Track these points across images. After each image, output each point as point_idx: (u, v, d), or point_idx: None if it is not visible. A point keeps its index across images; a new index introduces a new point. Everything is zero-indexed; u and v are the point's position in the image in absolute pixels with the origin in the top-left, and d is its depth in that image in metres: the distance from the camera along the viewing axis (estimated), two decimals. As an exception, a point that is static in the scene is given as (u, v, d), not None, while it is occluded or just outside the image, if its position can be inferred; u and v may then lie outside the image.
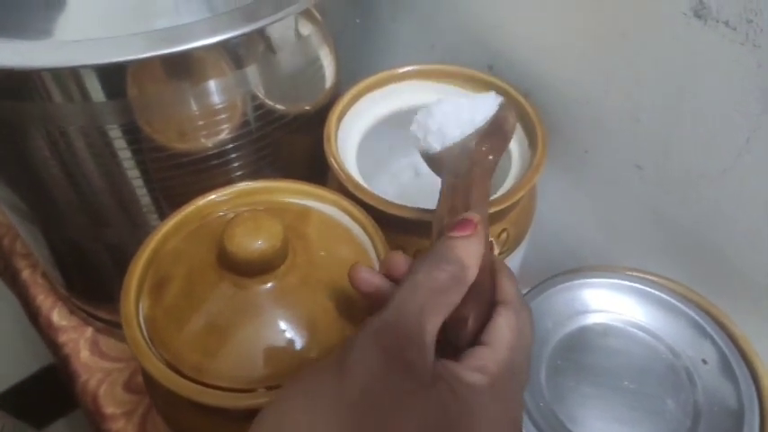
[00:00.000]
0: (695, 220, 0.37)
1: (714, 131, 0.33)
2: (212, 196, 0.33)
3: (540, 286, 0.35)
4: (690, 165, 0.35)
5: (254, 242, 0.27)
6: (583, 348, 0.33)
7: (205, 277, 0.29)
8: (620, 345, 0.33)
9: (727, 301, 0.34)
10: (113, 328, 0.50)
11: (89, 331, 0.51)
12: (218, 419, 0.28)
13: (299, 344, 0.28)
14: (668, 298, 0.34)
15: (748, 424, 0.30)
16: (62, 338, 0.51)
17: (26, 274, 0.56)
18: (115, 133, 0.34)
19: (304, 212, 0.33)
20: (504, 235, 0.37)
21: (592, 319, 0.34)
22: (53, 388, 1.04)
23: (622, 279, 0.35)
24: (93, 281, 0.46)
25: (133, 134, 0.35)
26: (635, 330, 0.34)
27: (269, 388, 0.27)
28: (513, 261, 0.40)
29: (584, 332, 0.34)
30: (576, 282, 0.35)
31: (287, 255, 0.29)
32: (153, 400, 0.31)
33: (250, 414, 0.28)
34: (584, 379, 0.32)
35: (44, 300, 0.53)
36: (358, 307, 0.29)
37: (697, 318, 0.33)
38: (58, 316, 0.52)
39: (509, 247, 0.38)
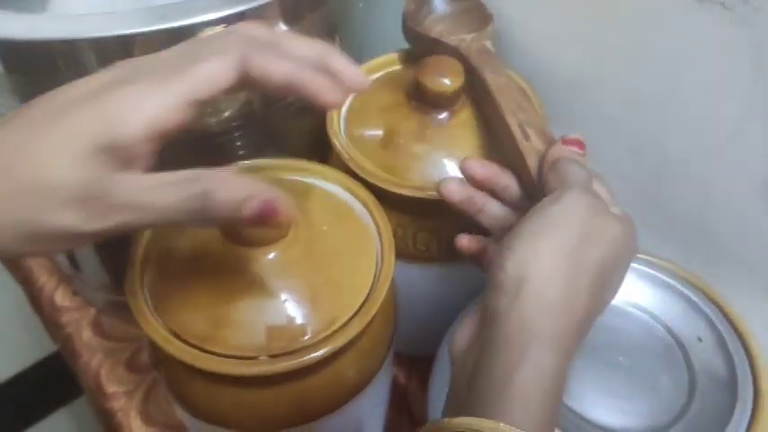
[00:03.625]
0: (689, 203, 0.37)
1: (708, 114, 0.33)
2: (217, 173, 0.34)
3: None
4: (685, 148, 0.36)
5: (257, 215, 0.28)
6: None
7: (209, 249, 0.29)
8: (616, 322, 0.34)
9: (721, 281, 0.35)
10: (117, 308, 0.50)
11: (92, 312, 0.52)
12: (221, 387, 0.29)
13: (300, 313, 0.28)
14: (664, 277, 0.35)
15: (742, 400, 0.30)
16: (64, 319, 0.52)
17: (29, 255, 0.56)
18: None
19: (307, 189, 0.34)
20: (502, 215, 0.37)
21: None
22: (54, 378, 1.05)
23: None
24: (98, 259, 0.47)
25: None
26: (631, 308, 0.34)
27: (271, 356, 0.27)
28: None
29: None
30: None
31: (289, 227, 0.29)
32: (158, 370, 0.32)
33: (252, 381, 0.29)
34: (579, 354, 0.32)
35: (47, 281, 0.54)
36: (358, 279, 0.30)
37: (692, 296, 0.34)
38: (61, 297, 0.53)
39: (508, 228, 0.38)
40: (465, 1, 0.40)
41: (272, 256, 0.29)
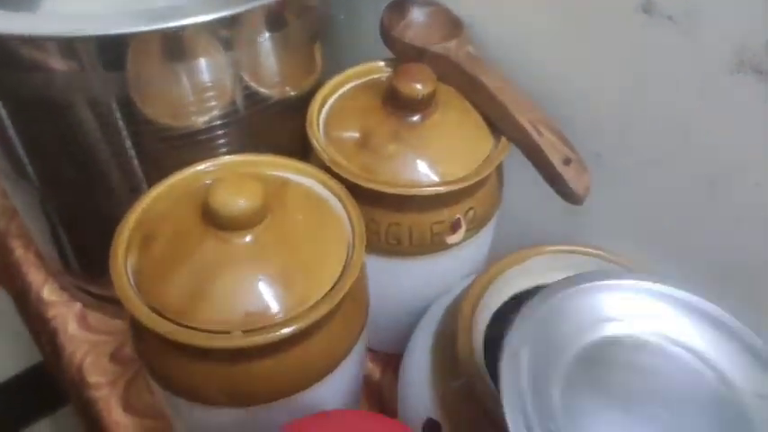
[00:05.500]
0: (652, 205, 0.40)
1: (664, 117, 0.36)
2: (200, 167, 0.36)
3: (556, 286, 0.29)
4: (644, 151, 0.38)
5: (235, 200, 0.30)
6: (608, 363, 0.27)
7: (189, 233, 0.31)
8: (655, 363, 0.27)
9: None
10: (104, 302, 0.52)
11: (77, 306, 0.53)
12: (197, 362, 0.31)
13: (273, 293, 0.30)
14: (716, 314, 0.28)
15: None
16: (51, 313, 0.53)
17: (19, 252, 0.58)
18: (110, 106, 0.37)
19: (285, 183, 0.36)
20: (471, 213, 0.39)
21: (620, 329, 0.28)
22: (38, 387, 1.06)
23: (656, 283, 0.29)
24: (86, 254, 0.49)
25: (126, 107, 0.37)
26: (675, 348, 0.28)
27: (244, 331, 0.29)
28: (482, 240, 0.43)
29: (611, 344, 0.28)
30: (599, 283, 0.29)
31: (266, 214, 0.31)
32: (138, 351, 0.33)
33: (226, 356, 0.30)
34: (606, 401, 0.26)
35: (35, 276, 0.56)
36: (330, 264, 0.32)
37: (754, 342, 0.27)
38: (48, 291, 0.54)
39: (476, 225, 0.40)
40: (432, 6, 0.43)
41: (248, 239, 0.31)
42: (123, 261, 0.32)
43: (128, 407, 0.47)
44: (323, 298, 0.31)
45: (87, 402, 0.48)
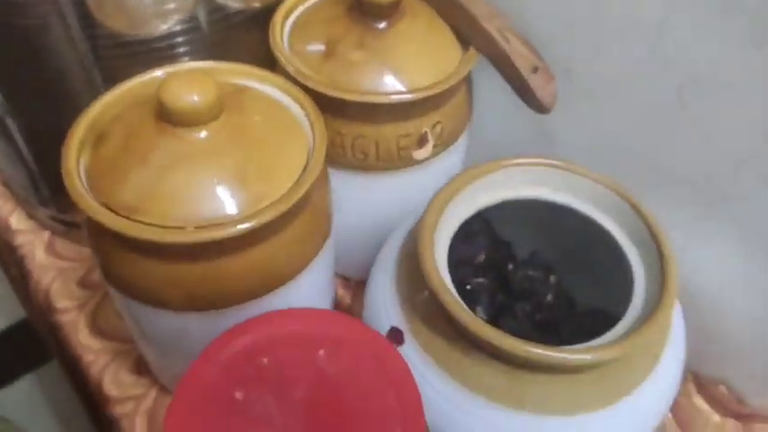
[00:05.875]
0: (623, 119, 0.39)
1: (630, 30, 0.35)
2: (157, 73, 0.35)
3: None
4: (614, 64, 0.38)
5: (188, 93, 0.29)
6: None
7: (142, 131, 0.31)
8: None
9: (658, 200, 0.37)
10: (73, 229, 0.51)
11: (46, 234, 0.53)
12: (152, 262, 0.30)
13: (228, 191, 0.29)
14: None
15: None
16: (18, 240, 0.52)
17: (-14, 182, 0.57)
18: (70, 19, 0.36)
19: (245, 89, 0.35)
20: (438, 127, 0.39)
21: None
22: (22, 344, 1.05)
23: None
24: (54, 177, 0.48)
25: (86, 19, 0.36)
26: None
27: (198, 227, 0.29)
28: (452, 160, 0.42)
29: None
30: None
31: (221, 112, 0.30)
32: (93, 251, 0.33)
33: (180, 253, 0.30)
34: None
35: (3, 205, 0.55)
36: (288, 165, 0.31)
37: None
38: (17, 220, 0.54)
39: (444, 142, 0.40)
40: None
41: (202, 135, 0.30)
42: (75, 160, 0.31)
43: (95, 330, 0.47)
44: (280, 198, 0.30)
45: (55, 327, 0.48)
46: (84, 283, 0.49)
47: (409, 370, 0.28)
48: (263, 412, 0.26)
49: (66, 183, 0.30)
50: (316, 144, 0.32)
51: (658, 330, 0.31)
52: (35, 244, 0.52)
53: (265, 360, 0.28)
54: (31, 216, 0.54)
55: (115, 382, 0.44)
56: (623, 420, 0.31)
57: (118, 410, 0.43)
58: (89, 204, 0.29)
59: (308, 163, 0.32)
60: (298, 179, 0.31)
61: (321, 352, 0.28)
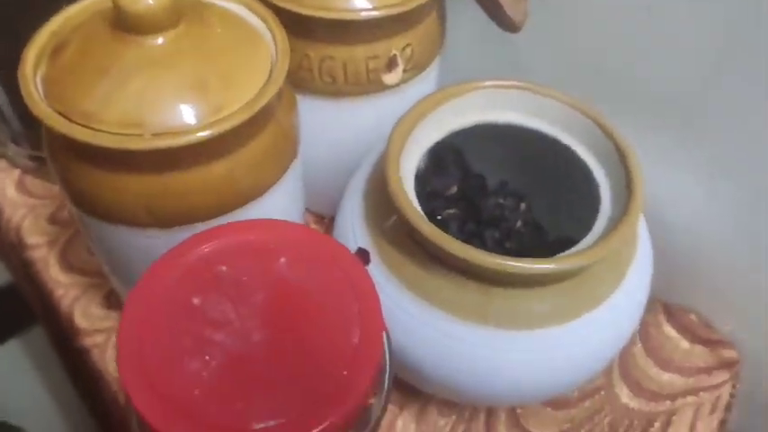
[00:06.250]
0: (593, 43, 0.39)
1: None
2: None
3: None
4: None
5: (144, -2, 0.28)
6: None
7: (99, 39, 0.30)
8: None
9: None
10: (41, 168, 0.51)
11: (16, 173, 0.52)
12: (110, 174, 0.30)
13: (186, 99, 0.29)
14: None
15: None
16: (-11, 178, 0.52)
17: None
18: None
19: (208, 4, 0.34)
20: (408, 50, 0.38)
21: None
22: (6, 308, 1.05)
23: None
24: (23, 108, 0.47)
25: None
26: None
27: (154, 134, 0.28)
28: (424, 87, 0.41)
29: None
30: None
31: (179, 19, 0.30)
32: (51, 162, 0.32)
33: (138, 164, 0.29)
34: None
35: (-28, 144, 0.54)
36: (249, 77, 0.31)
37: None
38: (-14, 159, 0.53)
39: (415, 66, 0.39)
40: None
41: (159, 41, 0.29)
42: (33, 68, 0.30)
43: (66, 265, 0.46)
44: (240, 108, 0.29)
45: (26, 263, 0.47)
46: (54, 220, 0.49)
47: (371, 279, 0.28)
48: (221, 317, 0.26)
49: (22, 89, 0.29)
50: (278, 56, 0.32)
51: (623, 242, 0.31)
52: (6, 182, 0.51)
53: (224, 268, 0.27)
54: (1, 155, 0.53)
55: (85, 315, 0.44)
56: (585, 336, 0.31)
57: (88, 342, 0.42)
58: (43, 110, 0.28)
59: (270, 74, 0.31)
60: (259, 90, 0.30)
61: (282, 260, 0.28)
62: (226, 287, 0.27)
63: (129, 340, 0.25)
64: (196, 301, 0.26)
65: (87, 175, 0.30)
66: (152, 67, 0.29)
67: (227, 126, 0.29)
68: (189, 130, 0.28)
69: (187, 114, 0.29)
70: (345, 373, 0.24)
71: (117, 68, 0.29)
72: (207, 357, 0.24)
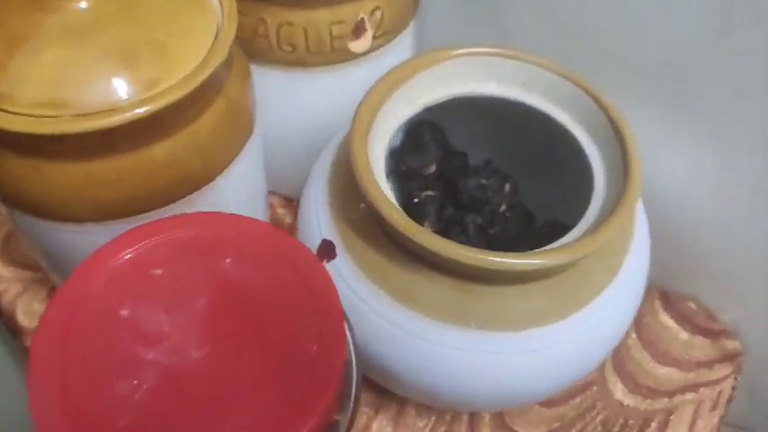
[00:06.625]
0: (578, 15, 0.35)
1: None
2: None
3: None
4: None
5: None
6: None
7: (12, 4, 0.25)
8: None
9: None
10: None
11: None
12: (29, 161, 0.26)
13: (113, 72, 0.25)
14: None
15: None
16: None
17: None
18: None
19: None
20: (377, 14, 0.34)
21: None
22: None
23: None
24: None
25: None
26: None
27: (76, 115, 0.24)
28: (398, 56, 0.37)
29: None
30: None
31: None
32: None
33: (63, 149, 0.25)
34: None
35: None
36: (190, 46, 0.26)
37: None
38: None
39: (386, 32, 0.35)
40: None
41: (83, 5, 0.25)
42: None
43: (7, 259, 0.42)
44: (178, 82, 0.25)
45: (-35, 256, 0.43)
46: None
47: (330, 279, 0.24)
48: (155, 331, 0.22)
49: None
50: (225, 21, 0.27)
51: (618, 232, 0.27)
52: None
53: (159, 271, 0.24)
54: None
55: (27, 312, 0.40)
56: (576, 335, 0.28)
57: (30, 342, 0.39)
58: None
59: (215, 42, 0.27)
60: (202, 60, 0.26)
61: (228, 260, 0.24)
62: (161, 294, 0.23)
63: (44, 358, 0.21)
64: (124, 312, 0.23)
65: (5, 165, 0.26)
66: (73, 36, 0.25)
67: (161, 103, 0.25)
68: (117, 108, 0.24)
69: (115, 90, 0.25)
70: (304, 389, 0.21)
71: (32, 39, 0.25)
72: (136, 381, 0.21)
